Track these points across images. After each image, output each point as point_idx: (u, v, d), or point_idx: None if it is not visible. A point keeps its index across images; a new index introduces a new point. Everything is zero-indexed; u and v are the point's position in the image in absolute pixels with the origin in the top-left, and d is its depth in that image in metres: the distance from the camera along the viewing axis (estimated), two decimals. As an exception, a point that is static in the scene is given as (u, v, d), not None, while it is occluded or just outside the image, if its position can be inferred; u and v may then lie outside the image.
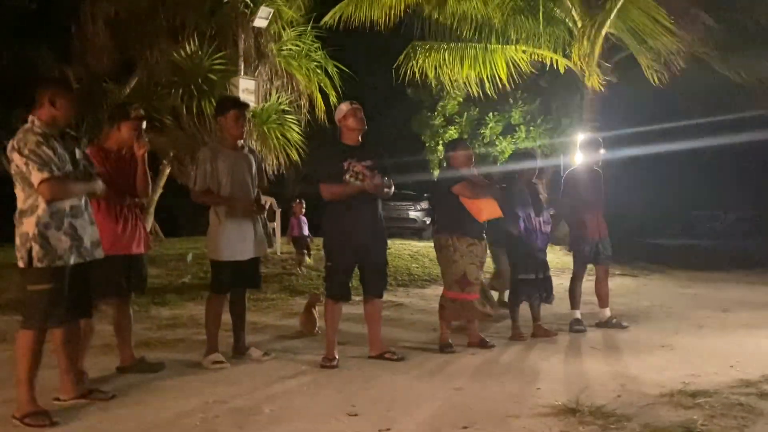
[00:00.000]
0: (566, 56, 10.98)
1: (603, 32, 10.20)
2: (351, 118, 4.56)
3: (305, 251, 9.17)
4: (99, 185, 3.54)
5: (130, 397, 3.67)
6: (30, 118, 3.34)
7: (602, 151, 6.09)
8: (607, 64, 10.88)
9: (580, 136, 10.85)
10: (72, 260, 3.34)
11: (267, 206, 9.40)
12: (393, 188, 4.63)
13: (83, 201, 3.46)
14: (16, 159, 3.23)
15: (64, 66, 10.49)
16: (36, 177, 3.21)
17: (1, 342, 4.86)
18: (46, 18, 11.36)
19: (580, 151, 6.31)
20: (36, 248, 3.22)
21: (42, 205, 3.26)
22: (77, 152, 3.48)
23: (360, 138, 4.60)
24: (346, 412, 3.40)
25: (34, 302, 3.27)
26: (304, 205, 9.54)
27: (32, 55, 10.93)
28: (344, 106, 4.64)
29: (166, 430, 3.14)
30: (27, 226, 3.25)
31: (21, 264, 3.26)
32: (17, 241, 3.27)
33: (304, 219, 9.39)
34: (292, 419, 3.31)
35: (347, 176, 4.45)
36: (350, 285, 4.63)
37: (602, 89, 10.73)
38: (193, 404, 3.53)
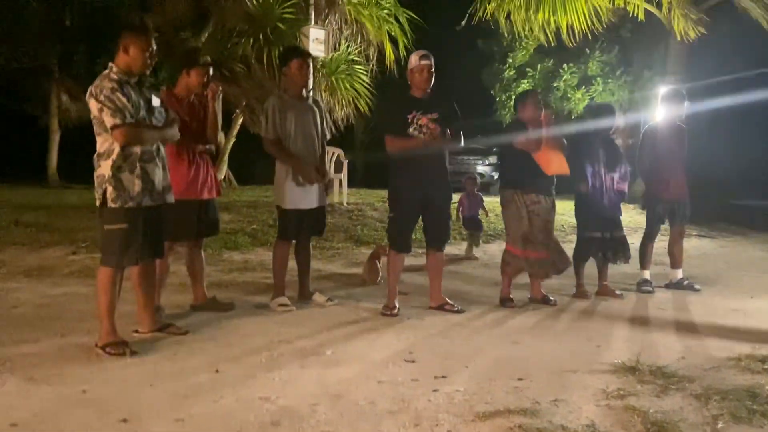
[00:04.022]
0: (652, 3, 10.32)
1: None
2: (417, 74, 4.48)
3: (475, 233, 7.44)
4: (172, 132, 3.67)
5: (201, 333, 3.90)
6: (110, 64, 3.50)
7: (686, 104, 5.75)
8: (698, 14, 10.13)
9: (662, 89, 10.28)
10: (144, 203, 3.52)
11: (333, 159, 9.42)
12: (462, 141, 4.57)
13: (155, 147, 3.61)
14: (93, 105, 3.40)
15: (143, 14, 10.82)
16: (109, 122, 3.38)
17: (89, 278, 5.24)
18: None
19: (662, 105, 5.96)
20: (110, 189, 3.42)
21: (117, 149, 3.43)
22: (154, 99, 3.62)
23: (428, 89, 4.54)
24: (404, 358, 3.48)
25: (110, 241, 3.49)
26: (478, 181, 7.88)
27: (113, 4, 11.32)
28: (414, 59, 4.52)
29: (234, 364, 3.33)
30: (103, 169, 3.45)
31: (98, 203, 3.47)
32: (95, 182, 3.48)
33: (479, 196, 7.56)
34: (351, 362, 3.42)
35: (411, 129, 4.42)
36: (412, 237, 4.66)
37: (692, 39, 10.03)
38: (259, 342, 3.71)
